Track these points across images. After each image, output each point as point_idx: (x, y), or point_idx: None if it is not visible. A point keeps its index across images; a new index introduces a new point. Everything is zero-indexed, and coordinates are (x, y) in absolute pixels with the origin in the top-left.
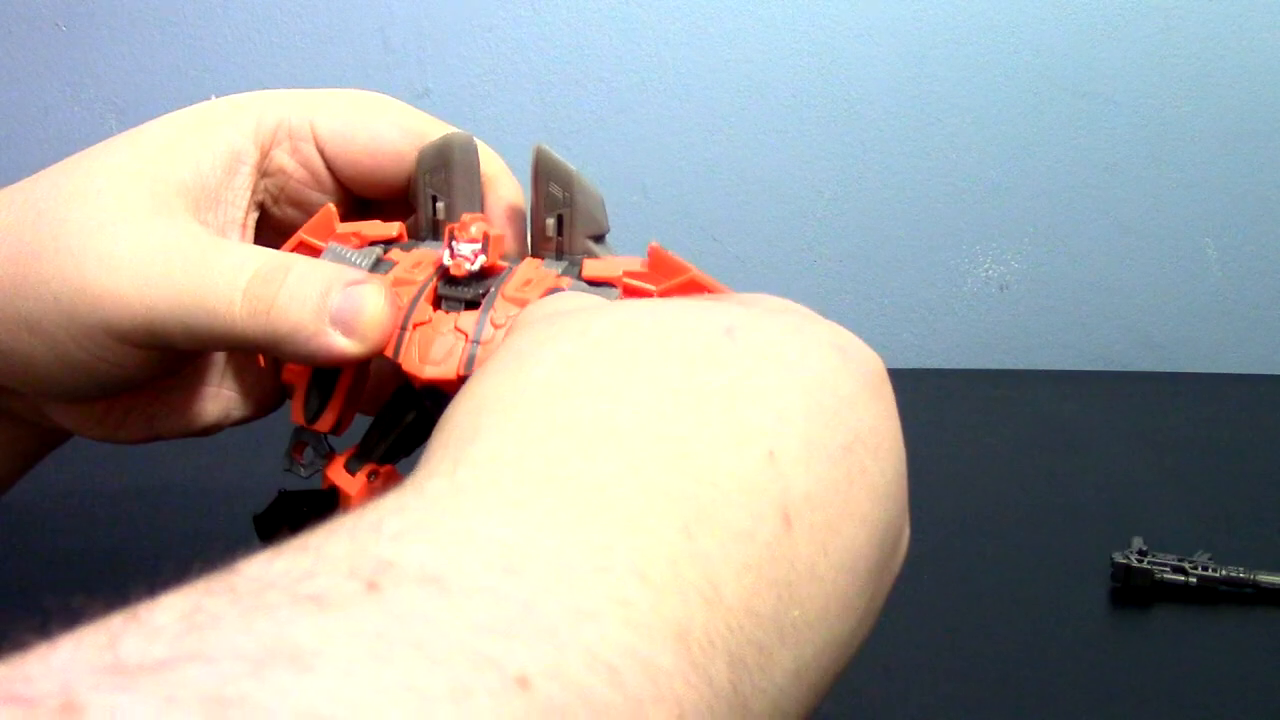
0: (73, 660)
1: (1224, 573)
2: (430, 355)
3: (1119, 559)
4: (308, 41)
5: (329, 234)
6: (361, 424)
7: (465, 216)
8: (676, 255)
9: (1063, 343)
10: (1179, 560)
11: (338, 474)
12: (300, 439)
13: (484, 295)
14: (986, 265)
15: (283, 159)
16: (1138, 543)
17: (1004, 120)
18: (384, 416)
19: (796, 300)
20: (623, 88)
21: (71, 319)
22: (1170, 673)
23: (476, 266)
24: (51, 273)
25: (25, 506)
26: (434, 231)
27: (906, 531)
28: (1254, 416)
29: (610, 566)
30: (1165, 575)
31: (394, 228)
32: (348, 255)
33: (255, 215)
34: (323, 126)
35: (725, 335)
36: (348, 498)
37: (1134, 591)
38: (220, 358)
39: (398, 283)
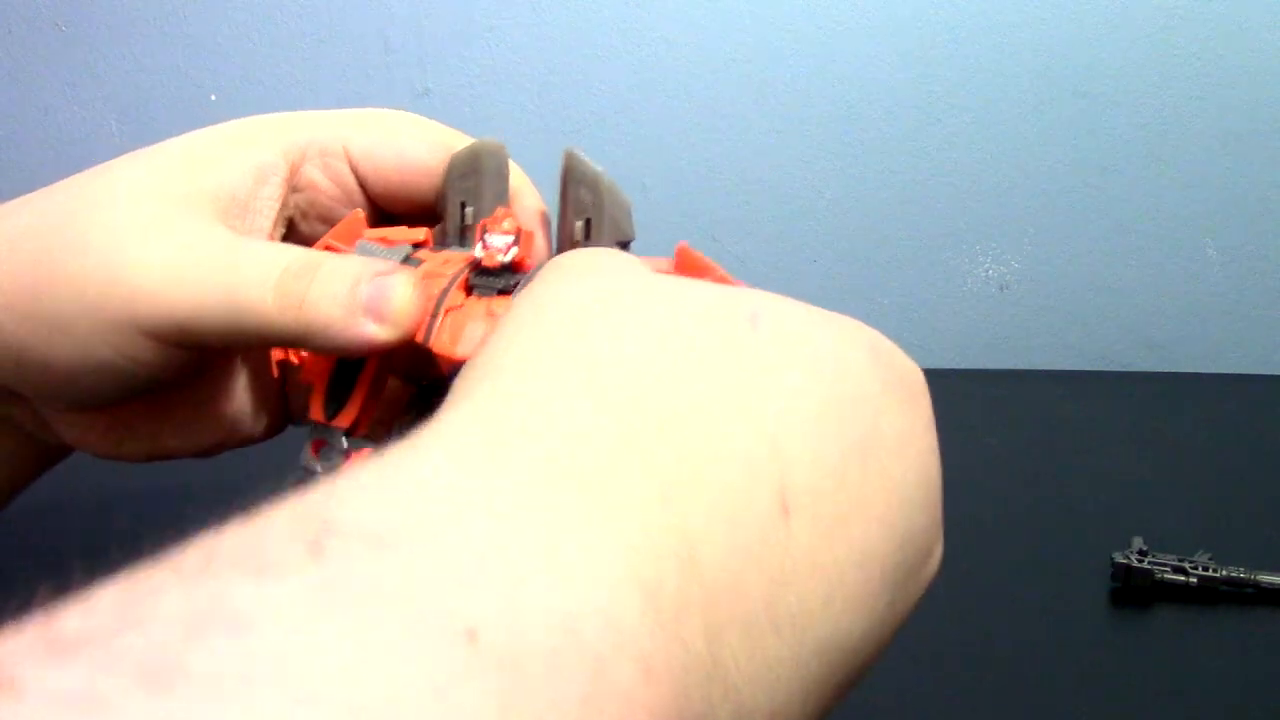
0: (14, 641)
1: (1224, 573)
2: (463, 337)
3: (1119, 559)
4: (308, 41)
5: (356, 239)
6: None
7: (498, 211)
8: (705, 256)
9: (1063, 343)
10: (1179, 560)
11: None
12: (318, 436)
13: (515, 286)
14: (986, 265)
15: (314, 174)
16: (1138, 543)
17: (1004, 120)
18: (405, 416)
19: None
20: (623, 88)
21: (101, 315)
22: (1170, 673)
23: (509, 258)
24: (81, 270)
25: (26, 506)
26: (460, 238)
27: (939, 547)
28: (1254, 416)
29: (572, 524)
30: (1165, 575)
31: (420, 233)
32: (377, 251)
33: (282, 231)
34: (355, 144)
35: (748, 320)
36: None
37: (1134, 591)
38: (226, 375)
39: (428, 276)
